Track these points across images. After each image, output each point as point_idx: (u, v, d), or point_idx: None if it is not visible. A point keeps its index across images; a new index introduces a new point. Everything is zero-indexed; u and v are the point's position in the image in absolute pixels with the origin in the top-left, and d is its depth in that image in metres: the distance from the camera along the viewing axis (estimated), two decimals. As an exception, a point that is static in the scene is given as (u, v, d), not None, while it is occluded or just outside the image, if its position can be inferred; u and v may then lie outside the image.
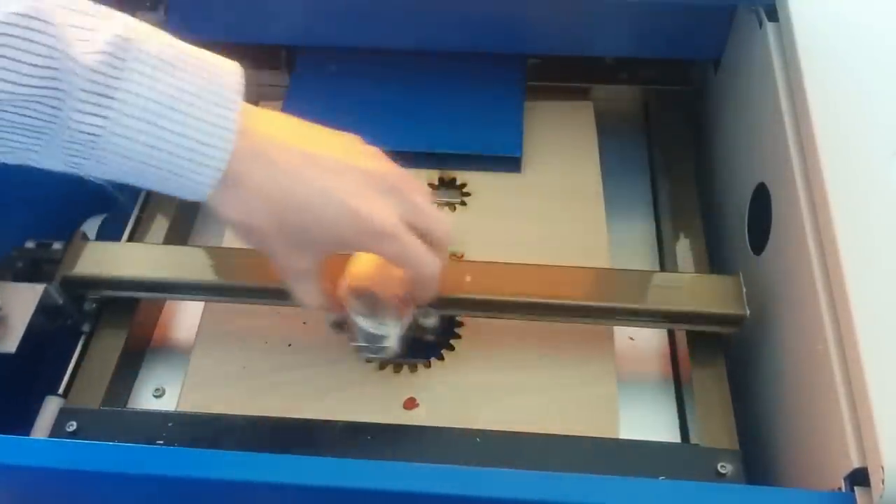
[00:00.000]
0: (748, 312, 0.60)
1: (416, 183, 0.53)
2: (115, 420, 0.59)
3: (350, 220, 0.49)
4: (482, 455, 0.55)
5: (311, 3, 0.74)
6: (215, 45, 0.85)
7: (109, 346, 0.63)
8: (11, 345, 0.58)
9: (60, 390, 0.61)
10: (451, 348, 0.64)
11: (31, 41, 0.40)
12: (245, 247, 0.65)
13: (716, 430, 0.58)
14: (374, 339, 0.56)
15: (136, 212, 0.73)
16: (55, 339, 0.64)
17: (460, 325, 0.65)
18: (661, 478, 0.53)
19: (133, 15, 0.61)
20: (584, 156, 0.77)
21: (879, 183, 0.53)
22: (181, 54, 0.44)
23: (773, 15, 0.65)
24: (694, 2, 0.72)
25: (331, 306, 0.56)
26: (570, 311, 0.61)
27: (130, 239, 0.71)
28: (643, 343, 0.67)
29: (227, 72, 0.46)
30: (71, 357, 0.64)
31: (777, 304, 0.61)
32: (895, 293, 0.49)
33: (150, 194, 0.73)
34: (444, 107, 0.77)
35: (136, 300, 0.66)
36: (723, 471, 0.55)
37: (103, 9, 0.44)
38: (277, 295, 0.62)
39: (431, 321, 0.59)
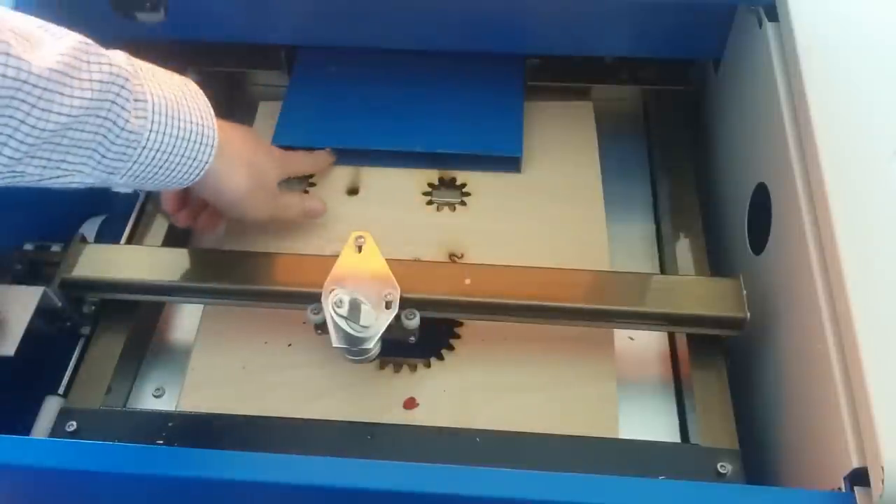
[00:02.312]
0: (749, 315, 0.59)
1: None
2: (115, 420, 0.59)
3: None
4: (482, 455, 0.55)
5: (310, 3, 0.74)
6: (215, 45, 0.85)
7: (109, 348, 0.63)
8: (10, 348, 0.58)
9: (60, 390, 0.62)
10: (451, 348, 0.64)
11: (91, 62, 0.48)
12: (242, 248, 0.65)
13: (716, 430, 0.58)
14: (355, 341, 0.56)
15: (135, 214, 0.73)
16: (54, 342, 0.64)
17: (460, 324, 0.65)
18: (661, 478, 0.53)
19: (133, 16, 0.62)
20: (584, 156, 0.77)
21: (879, 183, 0.53)
22: (153, 65, 0.55)
23: (773, 15, 0.65)
24: (694, 2, 0.72)
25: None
26: (570, 314, 0.61)
27: (129, 241, 0.70)
28: (643, 343, 0.67)
29: (184, 76, 0.57)
30: (71, 358, 0.64)
31: (777, 303, 0.61)
32: (895, 293, 0.49)
33: (148, 196, 0.73)
34: (444, 107, 0.77)
35: (136, 302, 0.66)
36: (723, 471, 0.55)
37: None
38: (276, 297, 0.62)
39: (413, 322, 0.58)
